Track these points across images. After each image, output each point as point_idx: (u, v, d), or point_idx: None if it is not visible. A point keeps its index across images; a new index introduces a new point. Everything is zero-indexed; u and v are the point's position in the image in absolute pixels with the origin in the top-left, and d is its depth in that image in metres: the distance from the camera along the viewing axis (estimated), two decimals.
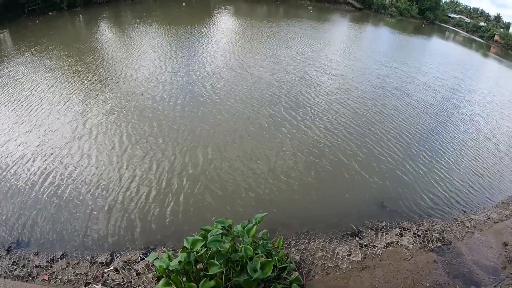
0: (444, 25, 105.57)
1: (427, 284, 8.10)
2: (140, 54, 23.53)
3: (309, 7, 63.22)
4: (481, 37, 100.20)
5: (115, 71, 19.98)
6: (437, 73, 31.98)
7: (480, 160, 16.07)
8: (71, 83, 17.99)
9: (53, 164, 11.47)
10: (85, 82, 18.19)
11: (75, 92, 17.02)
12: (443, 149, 16.15)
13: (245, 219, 7.60)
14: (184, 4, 47.78)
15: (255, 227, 7.25)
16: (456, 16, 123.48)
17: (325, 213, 10.39)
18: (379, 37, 49.31)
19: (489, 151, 17.31)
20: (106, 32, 30.56)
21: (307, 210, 10.39)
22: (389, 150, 14.86)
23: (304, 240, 9.05)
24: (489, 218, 11.62)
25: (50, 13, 37.33)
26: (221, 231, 6.71)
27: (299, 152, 13.41)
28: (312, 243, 8.94)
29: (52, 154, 12.02)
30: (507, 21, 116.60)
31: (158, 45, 25.95)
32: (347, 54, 31.68)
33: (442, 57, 43.28)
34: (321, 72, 24.17)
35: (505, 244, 10.39)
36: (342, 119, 16.97)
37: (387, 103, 20.27)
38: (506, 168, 16.11)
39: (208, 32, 32.55)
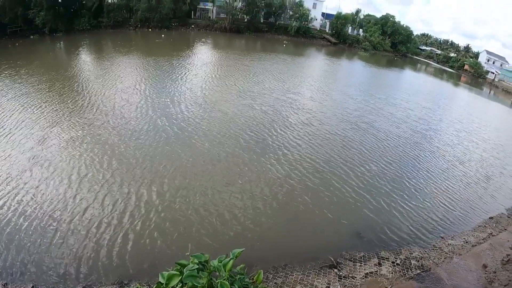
0: (416, 57, 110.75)
1: None
2: (109, 85, 23.63)
3: (284, 42, 65.43)
4: (451, 67, 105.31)
5: (82, 101, 20.07)
6: (406, 104, 33.02)
7: (452, 187, 16.52)
8: (37, 110, 18.14)
9: (22, 194, 11.35)
10: (52, 110, 18.31)
11: (39, 119, 17.10)
12: (414, 179, 16.47)
13: (221, 254, 7.55)
14: (163, 36, 48.93)
15: (231, 261, 7.18)
16: (427, 48, 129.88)
17: (302, 246, 10.41)
18: (352, 71, 51.00)
19: (460, 178, 17.82)
20: (81, 60, 30.86)
21: (284, 244, 10.39)
22: (361, 182, 15.03)
23: (282, 273, 9.02)
24: (467, 242, 11.84)
25: (32, 37, 37.92)
26: (197, 266, 6.65)
27: (270, 188, 13.38)
28: (290, 276, 8.92)
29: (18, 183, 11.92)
30: (476, 50, 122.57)
31: (128, 77, 26.08)
32: (317, 89, 32.08)
33: (413, 88, 44.95)
34: (286, 107, 24.17)
35: (485, 266, 10.58)
36: (312, 155, 17.00)
37: (355, 138, 20.34)
38: (478, 193, 16.63)
39: (181, 65, 32.95)
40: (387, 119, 25.92)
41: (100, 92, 21.96)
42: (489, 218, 14.35)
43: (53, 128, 16.24)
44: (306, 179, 14.41)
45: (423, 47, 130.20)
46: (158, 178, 13.07)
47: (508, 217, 14.84)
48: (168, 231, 10.36)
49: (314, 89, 31.63)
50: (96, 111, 18.79)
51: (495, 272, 10.43)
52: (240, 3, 65.25)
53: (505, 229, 13.45)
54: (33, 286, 8.00)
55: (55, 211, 10.71)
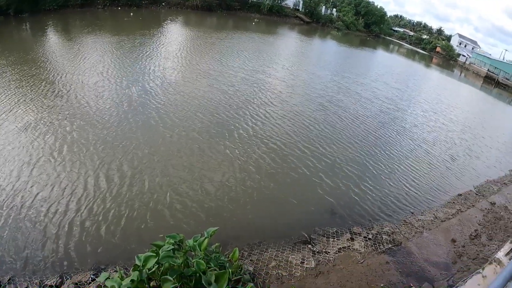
0: (389, 38, 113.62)
1: (382, 285, 8.51)
2: (70, 68, 22.25)
3: (255, 19, 65.10)
4: (423, 49, 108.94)
5: (41, 84, 18.93)
6: (375, 84, 33.72)
7: (420, 167, 17.22)
8: None
9: None
10: (9, 95, 17.19)
11: None
12: (382, 159, 16.98)
13: (196, 234, 7.64)
14: (131, 14, 47.39)
15: (206, 240, 7.30)
16: (400, 29, 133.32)
17: (276, 223, 10.61)
18: (324, 50, 51.29)
19: (428, 158, 18.69)
20: (44, 42, 29.03)
21: (258, 222, 10.54)
22: (331, 160, 15.39)
23: (257, 251, 9.19)
24: (436, 218, 12.46)
25: None
26: (173, 246, 6.70)
27: (236, 169, 13.34)
28: (265, 253, 9.11)
29: None
30: (448, 33, 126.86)
31: (90, 58, 24.70)
32: (286, 68, 31.88)
33: (384, 68, 46.01)
34: (252, 87, 23.52)
35: (454, 241, 11.23)
36: (279, 136, 16.95)
37: (323, 119, 20.44)
38: (446, 172, 17.52)
39: (145, 43, 31.59)
40: (355, 99, 26.27)
41: (61, 75, 20.75)
42: (458, 195, 15.13)
43: (9, 114, 15.39)
44: (272, 161, 14.45)
45: (396, 28, 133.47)
46: (128, 162, 12.75)
47: (476, 194, 15.70)
48: (140, 212, 10.27)
49: (282, 68, 31.36)
50: (55, 95, 17.78)
51: (463, 247, 11.09)
52: None
53: (473, 206, 14.24)
54: (10, 278, 7.81)
55: (14, 196, 10.37)
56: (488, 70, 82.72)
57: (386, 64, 51.62)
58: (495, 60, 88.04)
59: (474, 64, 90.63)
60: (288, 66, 33.12)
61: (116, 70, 22.71)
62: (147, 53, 28.16)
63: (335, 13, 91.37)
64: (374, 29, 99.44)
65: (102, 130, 14.76)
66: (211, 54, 31.89)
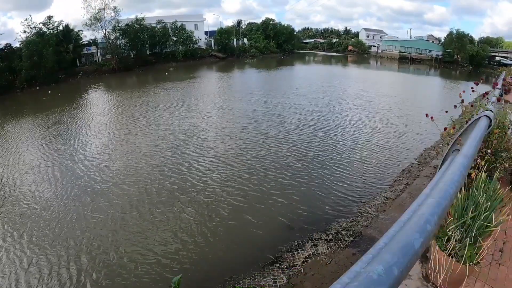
0: (303, 51, 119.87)
1: None
2: None
3: (170, 68, 66.39)
4: (337, 51, 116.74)
5: None
6: (295, 99, 35.02)
7: (357, 158, 18.38)
8: None
9: None
10: None
11: None
12: (318, 164, 17.49)
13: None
14: (49, 92, 46.15)
15: None
16: (311, 40, 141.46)
17: (239, 255, 10.74)
18: (245, 80, 53.24)
19: (360, 148, 19.94)
20: None
21: (221, 259, 10.63)
22: (265, 176, 15.91)
23: (229, 286, 9.25)
24: (387, 199, 13.22)
25: None
26: None
27: (182, 215, 13.32)
28: (238, 286, 9.18)
29: None
30: (356, 30, 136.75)
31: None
32: (206, 112, 30.64)
33: (303, 81, 48.57)
34: (169, 140, 22.29)
35: None
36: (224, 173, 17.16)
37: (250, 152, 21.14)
38: (384, 154, 18.90)
39: (59, 121, 29.53)
40: (276, 122, 26.08)
41: None
42: (402, 171, 16.19)
43: None
44: (220, 184, 14.80)
45: (307, 40, 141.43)
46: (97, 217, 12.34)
47: (419, 164, 16.89)
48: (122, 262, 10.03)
49: (201, 114, 30.00)
50: None
51: None
52: (124, 40, 65.06)
53: (418, 176, 15.18)
54: None
55: None
56: (400, 51, 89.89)
57: (304, 77, 54.22)
58: (403, 41, 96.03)
59: (386, 50, 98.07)
60: (206, 108, 32.25)
61: (28, 156, 20.69)
62: (61, 132, 26.44)
63: (246, 43, 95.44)
64: (287, 47, 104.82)
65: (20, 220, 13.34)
66: (128, 116, 30.23)
